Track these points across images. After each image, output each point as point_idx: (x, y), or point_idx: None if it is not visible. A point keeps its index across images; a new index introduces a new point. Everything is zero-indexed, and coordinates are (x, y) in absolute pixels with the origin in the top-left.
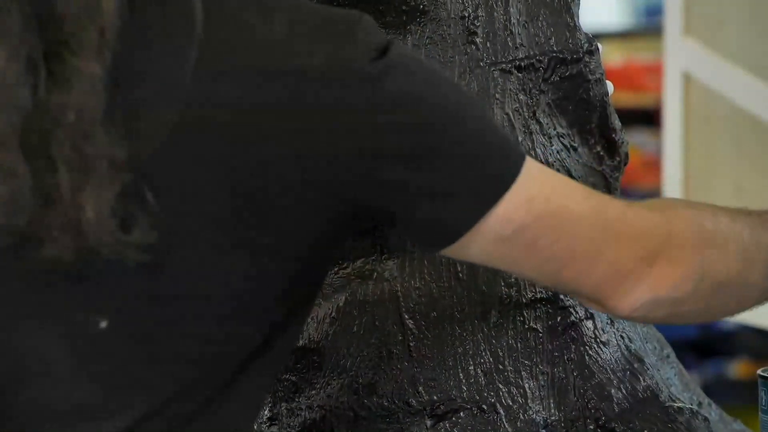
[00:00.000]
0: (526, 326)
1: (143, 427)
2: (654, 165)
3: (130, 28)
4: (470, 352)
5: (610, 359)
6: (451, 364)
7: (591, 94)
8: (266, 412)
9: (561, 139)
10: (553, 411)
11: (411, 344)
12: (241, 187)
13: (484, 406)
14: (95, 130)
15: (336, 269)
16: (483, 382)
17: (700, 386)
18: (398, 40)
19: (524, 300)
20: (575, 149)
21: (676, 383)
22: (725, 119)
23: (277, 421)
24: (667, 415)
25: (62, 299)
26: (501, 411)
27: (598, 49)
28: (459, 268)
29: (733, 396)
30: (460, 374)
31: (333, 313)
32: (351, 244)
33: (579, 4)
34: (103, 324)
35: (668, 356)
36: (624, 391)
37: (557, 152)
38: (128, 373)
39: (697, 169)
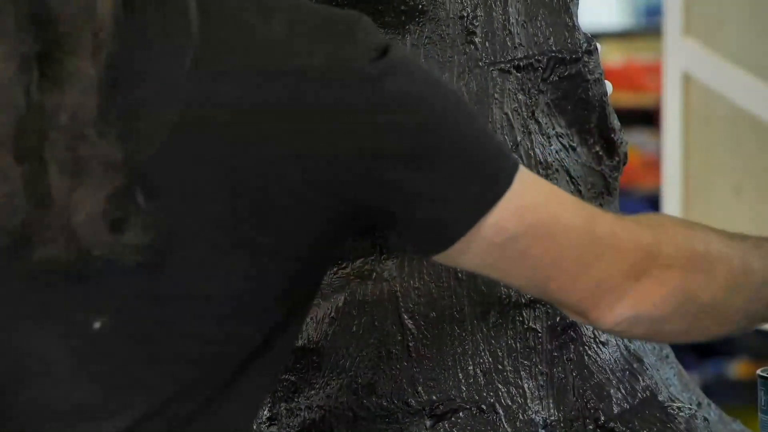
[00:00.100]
0: (526, 326)
1: (143, 427)
2: (654, 165)
3: (128, 29)
4: (469, 352)
5: (610, 359)
6: (450, 364)
7: (590, 93)
8: (265, 412)
9: (560, 138)
10: (552, 411)
11: (410, 344)
12: (241, 187)
13: (484, 406)
14: (89, 132)
15: (335, 269)
16: (482, 382)
17: (700, 386)
18: (397, 41)
19: (523, 300)
20: (574, 149)
21: (676, 383)
22: (725, 119)
23: (276, 421)
24: (667, 415)
25: (62, 299)
26: (500, 411)
27: (596, 48)
28: (458, 269)
29: (733, 396)
30: (460, 374)
31: (332, 313)
32: (350, 244)
33: (578, 3)
34: (103, 324)
35: (667, 356)
36: (623, 391)
37: (556, 152)
38: (128, 373)
39: (696, 169)
